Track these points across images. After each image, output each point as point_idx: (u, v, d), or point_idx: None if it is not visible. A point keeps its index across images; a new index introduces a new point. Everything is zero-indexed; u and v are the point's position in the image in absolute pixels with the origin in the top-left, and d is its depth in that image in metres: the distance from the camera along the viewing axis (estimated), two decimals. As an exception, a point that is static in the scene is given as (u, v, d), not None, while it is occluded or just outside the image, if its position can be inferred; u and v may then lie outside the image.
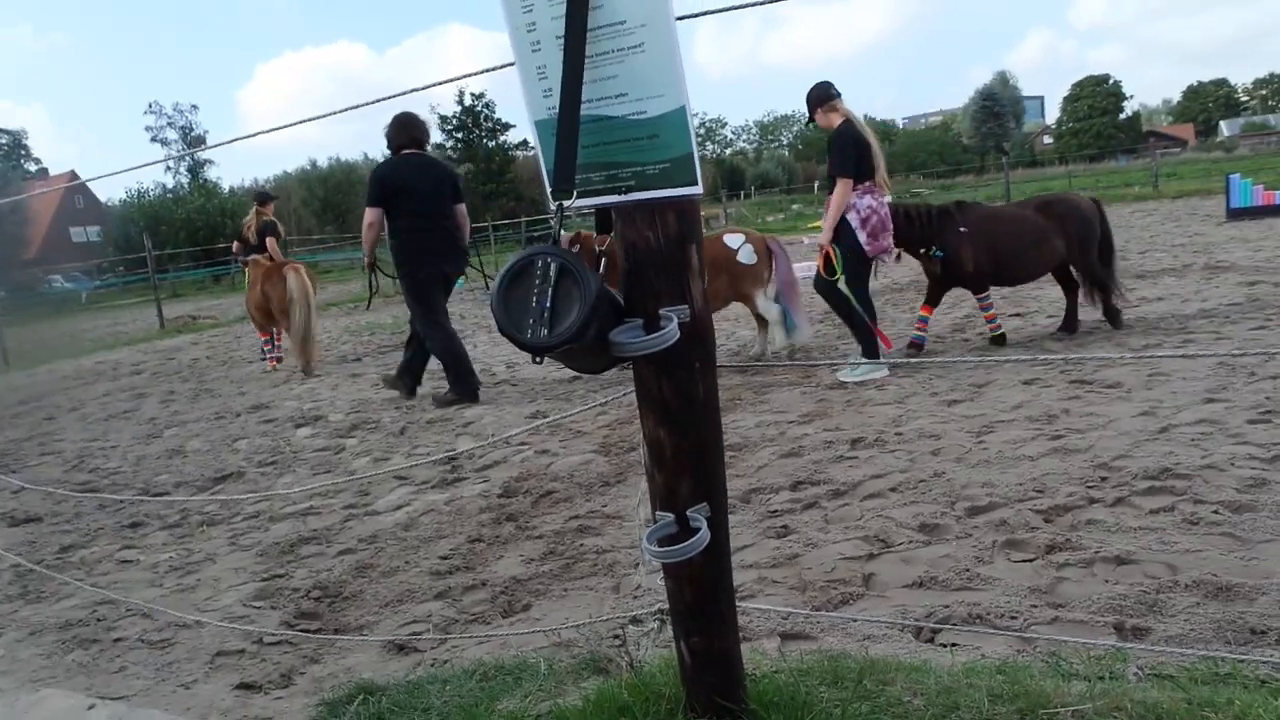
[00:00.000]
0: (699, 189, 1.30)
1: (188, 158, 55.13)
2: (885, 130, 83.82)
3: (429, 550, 3.43)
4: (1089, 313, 6.30)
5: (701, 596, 1.52)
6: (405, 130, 6.23)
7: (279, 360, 9.31)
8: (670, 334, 1.31)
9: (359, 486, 4.41)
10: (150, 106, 69.20)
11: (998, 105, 69.13)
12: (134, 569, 3.63)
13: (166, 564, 3.63)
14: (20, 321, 23.43)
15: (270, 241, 9.37)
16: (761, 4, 1.54)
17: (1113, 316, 6.20)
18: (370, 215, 6.18)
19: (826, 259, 5.51)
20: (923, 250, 6.09)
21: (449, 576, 3.15)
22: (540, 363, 1.29)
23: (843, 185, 5.40)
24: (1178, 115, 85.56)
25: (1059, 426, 4.07)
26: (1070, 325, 6.23)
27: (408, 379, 6.58)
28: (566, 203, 1.30)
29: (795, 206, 41.23)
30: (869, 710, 1.70)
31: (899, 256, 6.09)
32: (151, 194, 47.08)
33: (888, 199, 5.60)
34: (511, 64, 1.42)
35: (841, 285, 5.49)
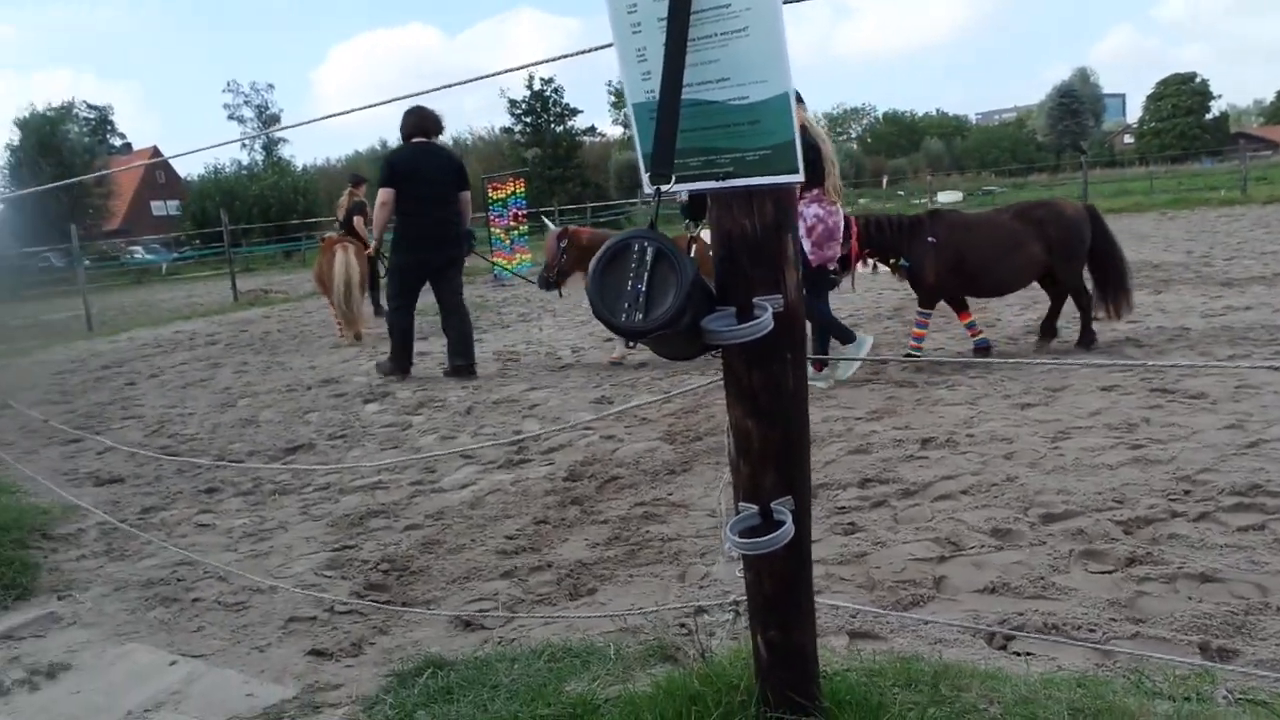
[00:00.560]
0: (799, 176, 1.28)
1: (262, 136, 56.49)
2: (957, 126, 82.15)
3: (495, 529, 3.47)
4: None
5: (781, 590, 1.51)
6: (416, 121, 6.70)
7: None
8: (764, 323, 1.30)
9: (426, 463, 4.48)
10: (229, 85, 71.03)
11: (1076, 102, 67.11)
12: (210, 533, 3.74)
13: (241, 530, 3.73)
14: (104, 290, 24.31)
15: (357, 220, 10.00)
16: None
17: (1086, 337, 5.95)
18: (383, 195, 6.61)
19: None
20: (892, 260, 5.97)
21: (515, 556, 3.18)
22: (633, 347, 1.28)
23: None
24: (1269, 117, 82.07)
25: (1139, 436, 3.94)
26: (1085, 339, 5.95)
27: (460, 361, 6.83)
28: (664, 187, 1.29)
29: (862, 200, 40.65)
30: (945, 716, 1.67)
31: (875, 267, 6.03)
32: (228, 170, 48.37)
33: (839, 208, 5.50)
34: (586, 50, 1.41)
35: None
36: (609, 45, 1.43)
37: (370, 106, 2.62)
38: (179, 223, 47.39)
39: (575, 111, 53.49)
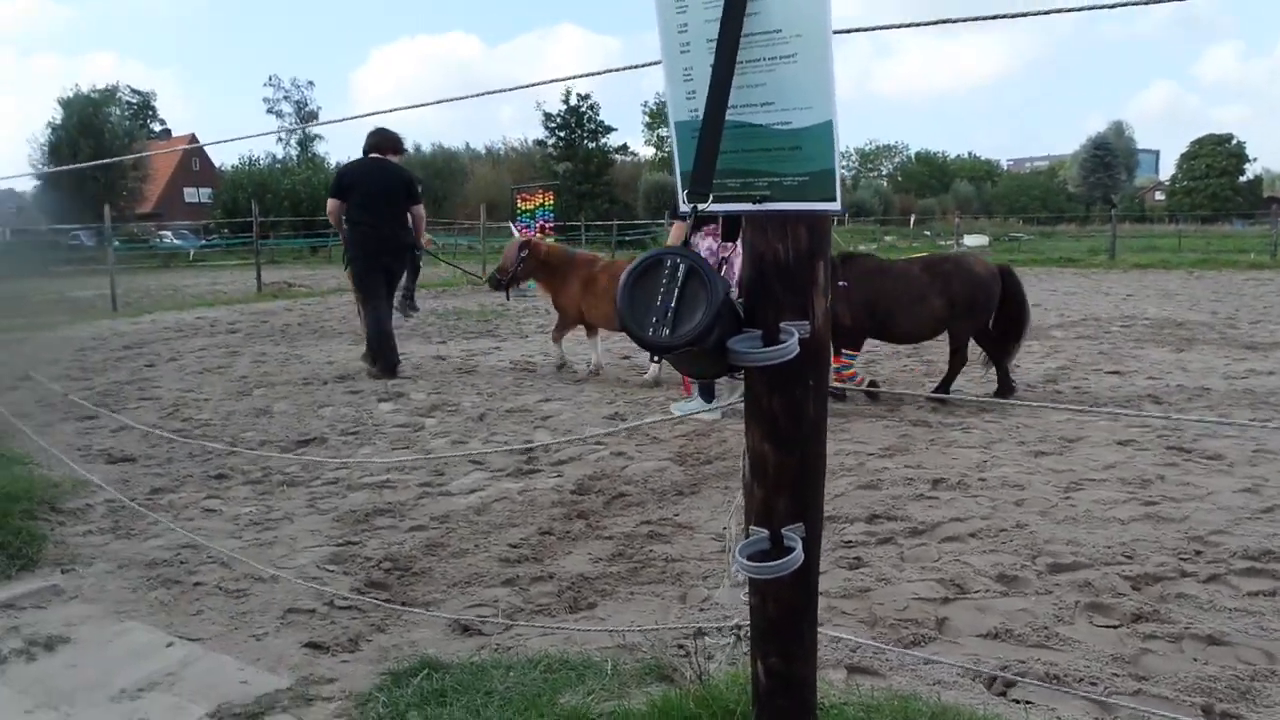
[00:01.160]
0: (837, 206, 1.28)
1: (299, 131, 57.11)
2: (988, 170, 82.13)
3: (499, 537, 3.47)
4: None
5: (785, 617, 1.50)
6: (374, 139, 7.27)
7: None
8: (790, 348, 1.30)
9: (435, 466, 4.49)
10: (270, 80, 72.02)
11: (1110, 155, 66.95)
12: (217, 518, 3.75)
13: (247, 518, 3.75)
14: (131, 271, 24.56)
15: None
16: (914, 26, 1.52)
17: (943, 387, 6.03)
18: (330, 205, 7.24)
19: None
20: None
21: (517, 565, 3.18)
22: (658, 361, 1.29)
23: (676, 226, 5.56)
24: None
25: (1153, 492, 3.90)
26: (1003, 389, 5.97)
27: (371, 356, 7.23)
28: (701, 206, 1.30)
29: (889, 238, 40.61)
30: (941, 757, 1.65)
31: None
32: (262, 163, 48.88)
33: (738, 244, 5.48)
34: (629, 67, 1.43)
35: None
36: (655, 63, 1.45)
37: (408, 108, 2.66)
38: (209, 210, 47.90)
39: (609, 129, 53.87)
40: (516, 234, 7.90)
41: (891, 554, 3.22)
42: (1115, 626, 2.62)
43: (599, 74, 1.95)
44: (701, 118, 1.31)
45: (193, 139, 53.47)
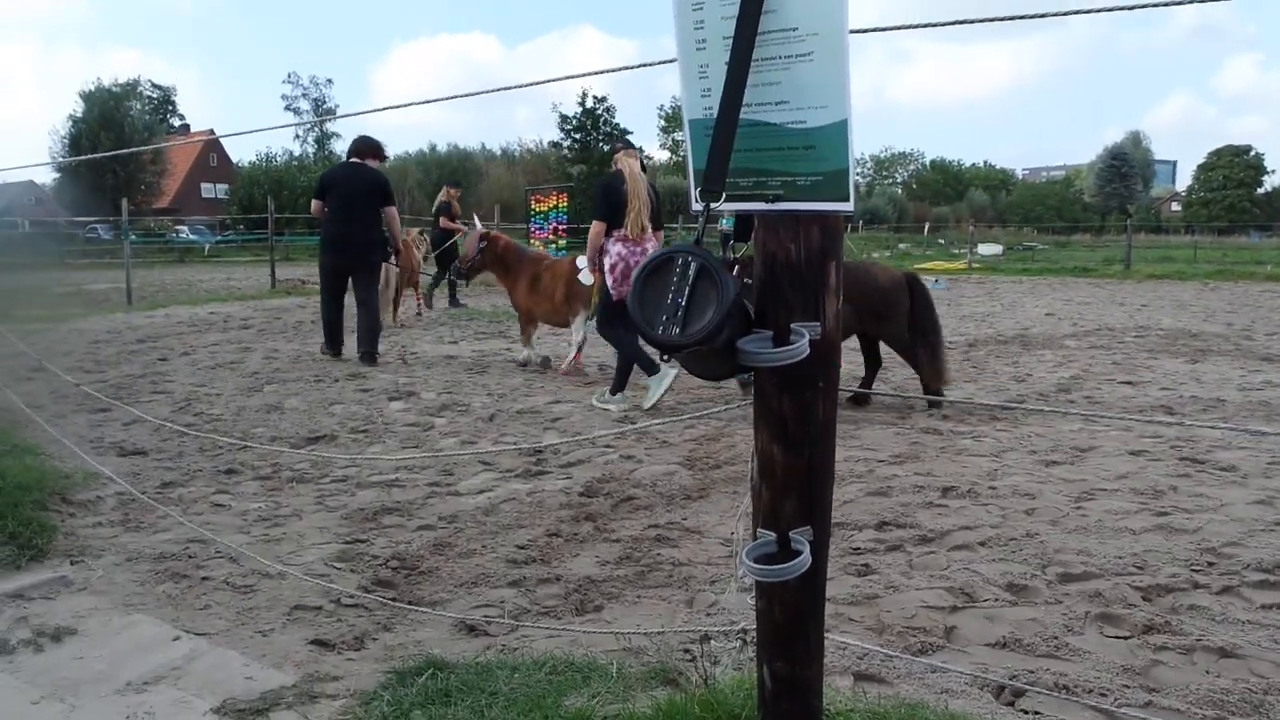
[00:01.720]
0: (850, 206, 1.27)
1: (316, 128, 57.38)
2: (1003, 179, 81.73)
3: (507, 538, 3.46)
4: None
5: (792, 621, 1.49)
6: (355, 145, 7.97)
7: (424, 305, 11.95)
8: (800, 349, 1.29)
9: (444, 465, 4.48)
10: (289, 77, 72.41)
11: (1126, 165, 66.58)
12: (226, 513, 3.76)
13: (256, 513, 3.75)
14: (146, 265, 24.71)
15: (443, 220, 11.26)
16: (929, 26, 1.51)
17: (928, 390, 6.03)
18: (313, 205, 7.86)
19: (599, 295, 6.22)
20: None
21: (524, 566, 3.17)
22: (668, 360, 1.28)
23: (594, 226, 6.04)
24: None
25: (1165, 503, 3.87)
26: (859, 398, 6.05)
27: (363, 348, 7.75)
28: (714, 205, 1.29)
29: (902, 245, 40.47)
30: (948, 766, 1.63)
31: None
32: (279, 160, 49.13)
33: (646, 248, 5.91)
34: (646, 64, 1.42)
35: (592, 321, 6.46)
36: (670, 61, 1.44)
37: (420, 103, 2.65)
38: (226, 206, 48.13)
39: (625, 132, 53.80)
40: (478, 225, 8.25)
41: (900, 561, 3.20)
42: (1126, 637, 2.60)
43: (614, 71, 1.94)
44: (716, 116, 1.30)
45: (211, 134, 53.78)
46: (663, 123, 65.10)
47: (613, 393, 5.98)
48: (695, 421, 5.30)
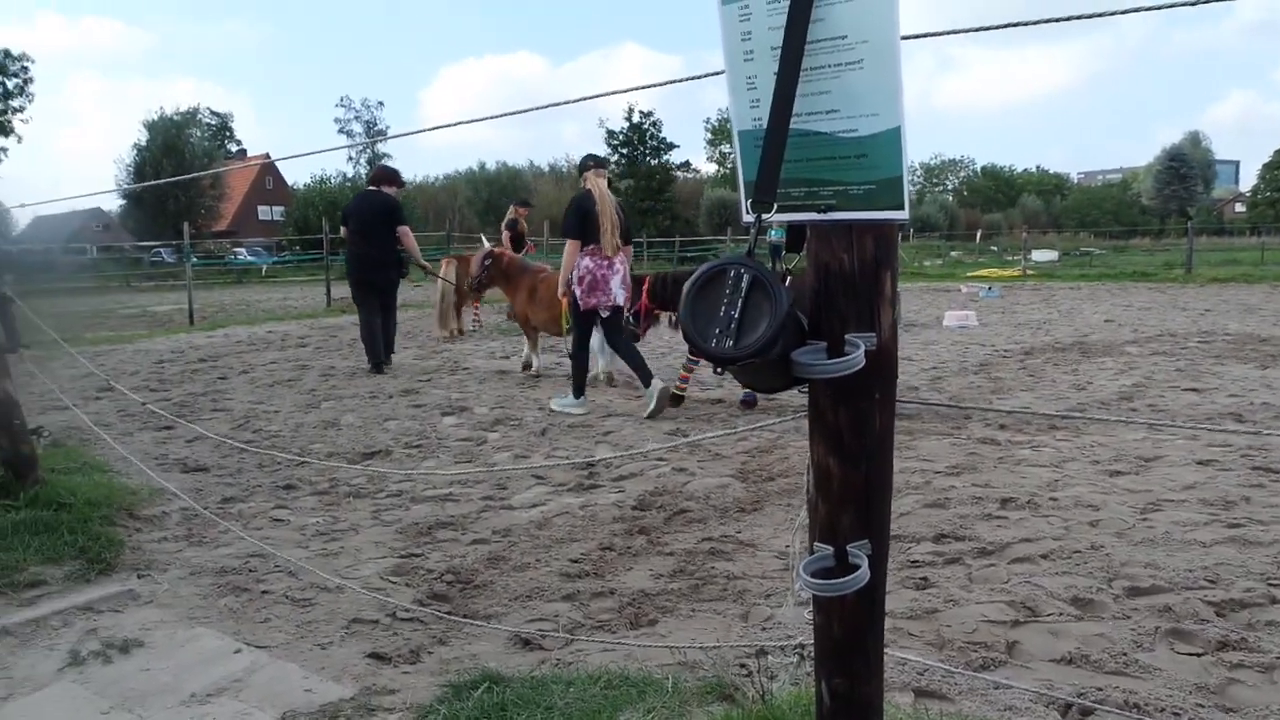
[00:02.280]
0: (905, 214, 1.25)
1: (368, 150, 58.47)
2: (1057, 184, 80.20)
3: (560, 551, 3.47)
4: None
5: (851, 636, 1.46)
6: (374, 174, 8.90)
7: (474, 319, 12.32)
8: (855, 360, 1.27)
9: (498, 480, 4.51)
10: (341, 100, 73.97)
11: (1185, 166, 64.90)
12: (284, 528, 3.83)
13: (314, 528, 3.81)
14: (207, 286, 25.36)
15: (505, 234, 11.48)
16: (978, 30, 1.48)
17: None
18: (342, 230, 8.74)
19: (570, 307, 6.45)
20: (673, 315, 6.54)
21: (578, 580, 3.17)
22: (720, 373, 1.27)
23: (568, 245, 6.32)
24: (1396, 194, 77.82)
25: (1238, 514, 3.73)
26: (749, 400, 6.33)
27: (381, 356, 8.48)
28: (765, 216, 1.28)
29: (954, 253, 39.90)
30: (1014, 786, 1.59)
31: (673, 321, 6.65)
32: (333, 181, 50.15)
33: (617, 263, 6.29)
34: (692, 77, 1.41)
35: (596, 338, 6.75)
36: (718, 73, 1.44)
37: (467, 122, 2.69)
38: (282, 228, 49.28)
39: (671, 146, 54.01)
40: (486, 244, 9.08)
41: (959, 575, 3.14)
42: (1199, 654, 2.50)
43: (661, 85, 1.94)
44: (765, 126, 1.29)
45: (267, 158, 55.17)
46: (709, 135, 65.17)
47: (573, 394, 6.37)
48: (748, 434, 5.26)
